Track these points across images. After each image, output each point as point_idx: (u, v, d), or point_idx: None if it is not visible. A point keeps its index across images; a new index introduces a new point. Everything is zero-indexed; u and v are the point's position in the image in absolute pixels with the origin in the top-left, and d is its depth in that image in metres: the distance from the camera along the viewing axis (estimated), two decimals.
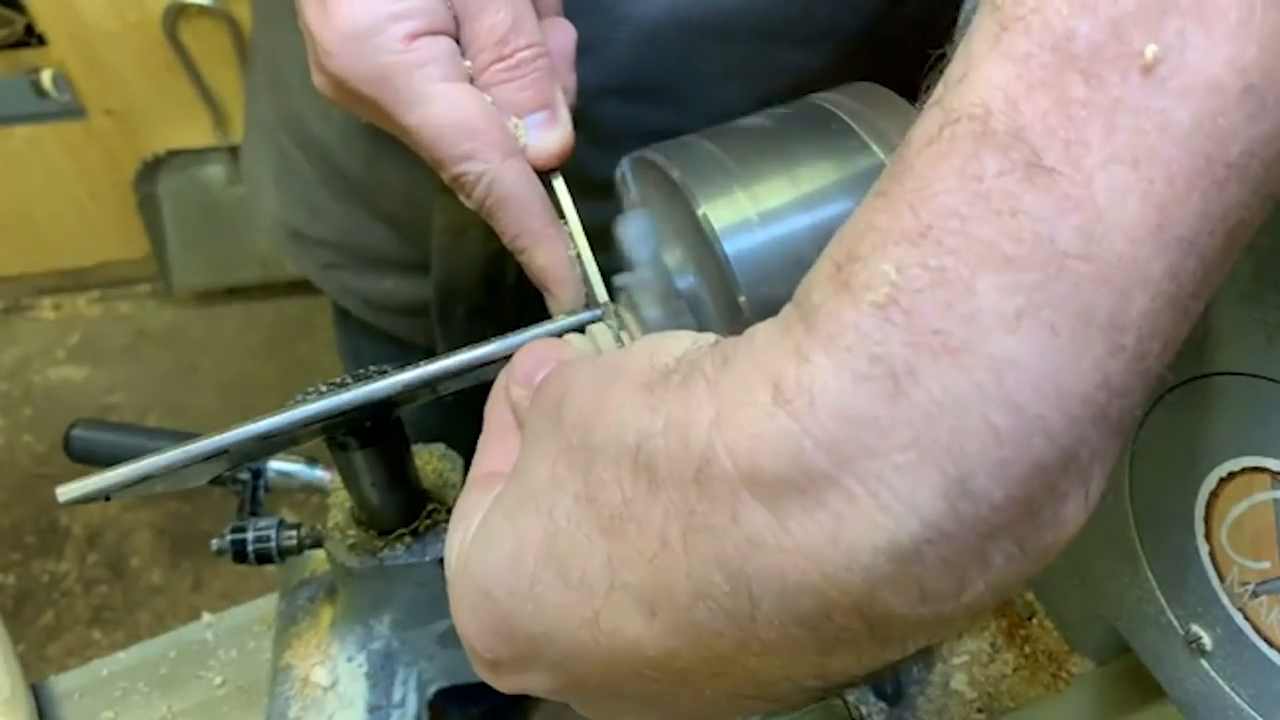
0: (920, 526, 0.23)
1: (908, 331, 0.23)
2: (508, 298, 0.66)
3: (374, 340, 0.81)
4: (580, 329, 0.43)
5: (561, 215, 0.45)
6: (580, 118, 0.46)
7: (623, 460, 0.27)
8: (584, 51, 0.48)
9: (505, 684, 0.33)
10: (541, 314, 0.45)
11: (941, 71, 0.25)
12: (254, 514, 0.67)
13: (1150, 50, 0.22)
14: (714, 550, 0.25)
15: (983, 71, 0.23)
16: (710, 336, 0.29)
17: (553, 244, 0.44)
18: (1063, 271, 0.22)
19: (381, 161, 0.66)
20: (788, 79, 0.57)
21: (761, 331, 0.26)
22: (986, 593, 0.24)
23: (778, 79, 0.58)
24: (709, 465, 0.24)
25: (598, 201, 0.46)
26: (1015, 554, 0.24)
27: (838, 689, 0.28)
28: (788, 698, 0.28)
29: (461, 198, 0.44)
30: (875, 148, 0.39)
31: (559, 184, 0.45)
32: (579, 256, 0.44)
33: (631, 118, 0.57)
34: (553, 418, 0.31)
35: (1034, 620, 0.62)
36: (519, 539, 0.30)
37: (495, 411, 0.38)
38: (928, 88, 0.25)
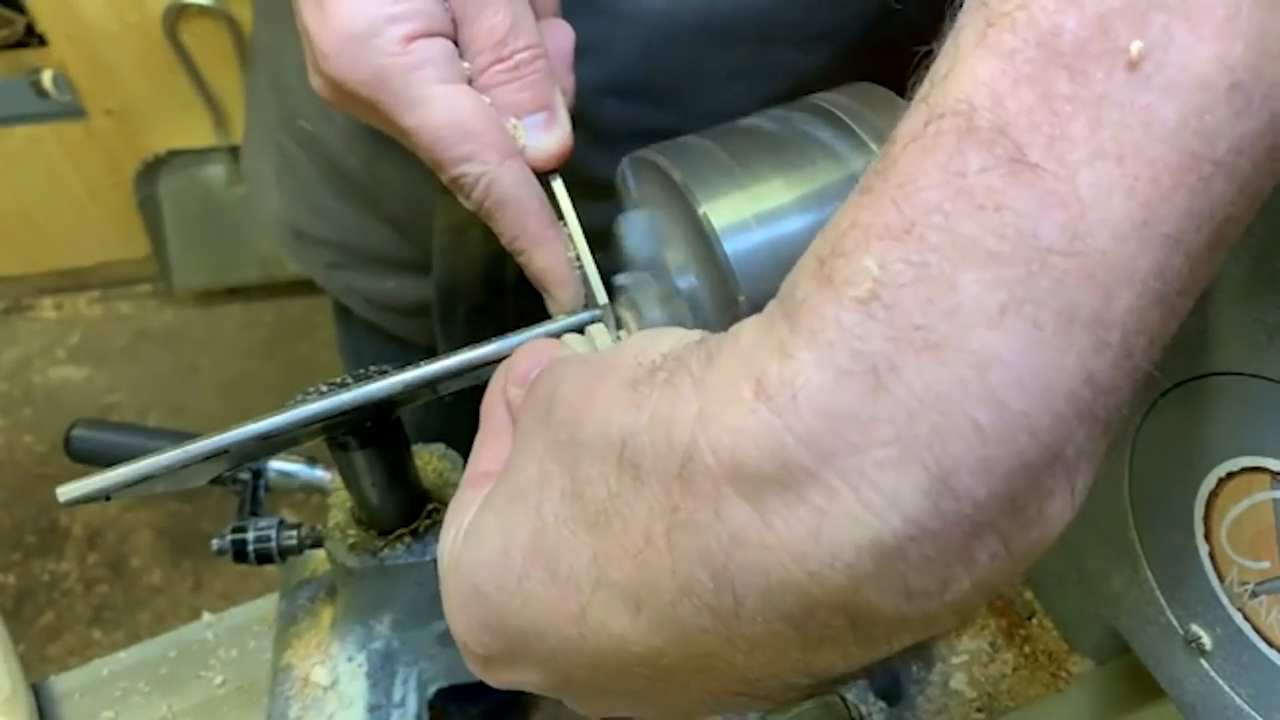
0: (903, 523, 0.23)
1: (890, 327, 0.22)
2: (508, 297, 0.66)
3: (375, 340, 0.81)
4: (579, 329, 0.43)
5: (561, 216, 0.45)
6: (580, 118, 0.46)
7: (608, 456, 0.27)
8: (583, 51, 0.48)
9: (496, 679, 0.34)
10: (542, 314, 0.45)
11: (928, 68, 0.25)
12: (254, 514, 0.67)
13: (1135, 46, 0.22)
14: (697, 546, 0.25)
15: (968, 67, 0.23)
16: (697, 333, 0.29)
17: (551, 245, 0.44)
18: (1046, 267, 0.22)
19: (382, 162, 0.66)
20: (788, 80, 0.57)
21: (747, 328, 0.26)
22: (972, 591, 0.24)
23: (778, 80, 0.58)
24: (692, 461, 0.24)
25: (598, 201, 0.46)
26: (1000, 552, 0.24)
27: (827, 686, 0.28)
28: (774, 694, 0.28)
29: (461, 199, 0.44)
30: (875, 148, 0.39)
31: (558, 185, 0.45)
32: (578, 258, 0.44)
33: (631, 118, 0.57)
34: (542, 415, 0.31)
35: (1033, 620, 0.62)
36: (508, 535, 0.30)
37: (491, 411, 0.38)
38: (914, 84, 0.25)
